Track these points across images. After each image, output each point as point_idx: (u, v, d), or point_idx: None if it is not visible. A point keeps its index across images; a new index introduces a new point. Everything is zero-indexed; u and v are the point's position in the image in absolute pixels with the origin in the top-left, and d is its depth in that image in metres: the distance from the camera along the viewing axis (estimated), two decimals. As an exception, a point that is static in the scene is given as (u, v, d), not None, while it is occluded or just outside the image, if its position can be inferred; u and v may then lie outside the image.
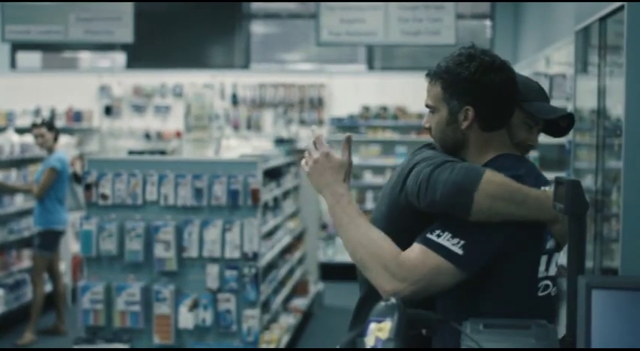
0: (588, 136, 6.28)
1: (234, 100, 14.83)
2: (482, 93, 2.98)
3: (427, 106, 3.11)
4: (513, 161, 3.03)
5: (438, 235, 2.82)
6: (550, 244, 2.95)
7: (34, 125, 9.78)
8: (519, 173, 2.91)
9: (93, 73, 15.39)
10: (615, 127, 5.35)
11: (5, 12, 11.07)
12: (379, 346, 2.14)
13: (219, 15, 15.36)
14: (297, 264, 10.58)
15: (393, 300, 2.25)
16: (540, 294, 2.93)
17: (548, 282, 2.96)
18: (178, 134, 14.07)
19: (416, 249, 2.84)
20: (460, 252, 2.79)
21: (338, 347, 3.46)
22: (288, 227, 9.91)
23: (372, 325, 2.19)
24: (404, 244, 2.91)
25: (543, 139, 3.32)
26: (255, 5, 15.56)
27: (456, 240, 2.80)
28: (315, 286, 11.32)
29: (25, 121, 13.71)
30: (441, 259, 2.79)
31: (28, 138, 10.57)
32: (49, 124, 9.74)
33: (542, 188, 2.96)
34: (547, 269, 2.94)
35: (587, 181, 6.03)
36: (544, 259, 2.93)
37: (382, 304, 2.25)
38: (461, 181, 2.80)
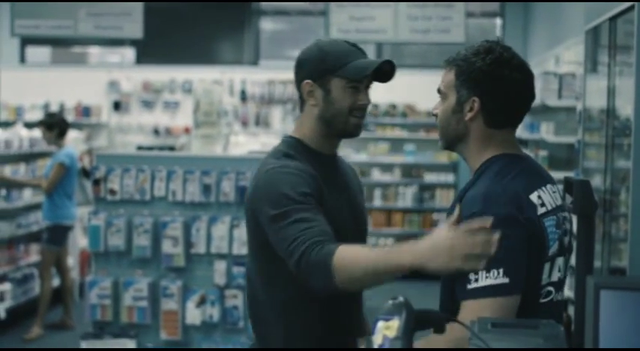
0: (597, 135, 6.27)
1: (243, 97, 14.84)
2: (492, 86, 2.93)
3: (438, 91, 3.07)
4: (504, 164, 2.94)
5: (476, 280, 2.73)
6: (553, 249, 2.87)
7: (39, 122, 9.83)
8: (474, 211, 2.79)
9: (102, 69, 15.41)
10: (625, 126, 5.35)
11: (15, 7, 11.09)
12: (387, 345, 2.13)
13: (229, 11, 15.37)
14: (305, 261, 10.57)
15: (400, 298, 2.25)
16: (542, 300, 2.89)
17: (550, 288, 2.90)
18: (187, 130, 14.08)
19: (467, 308, 2.74)
20: (507, 280, 2.71)
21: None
22: (295, 224, 9.89)
23: (380, 324, 2.19)
24: (261, 257, 3.15)
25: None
26: (264, 2, 15.56)
27: (493, 272, 2.72)
28: (323, 283, 11.31)
29: (34, 116, 13.72)
30: (497, 299, 2.71)
31: (37, 132, 10.59)
32: (48, 124, 9.70)
33: (534, 193, 2.88)
34: (550, 275, 2.89)
35: (596, 181, 6.02)
36: (547, 266, 2.87)
37: (390, 302, 2.25)
38: (315, 285, 2.94)
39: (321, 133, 3.35)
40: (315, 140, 3.36)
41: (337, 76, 3.27)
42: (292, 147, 3.34)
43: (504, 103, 2.95)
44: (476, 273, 2.71)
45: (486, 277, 2.70)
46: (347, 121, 3.30)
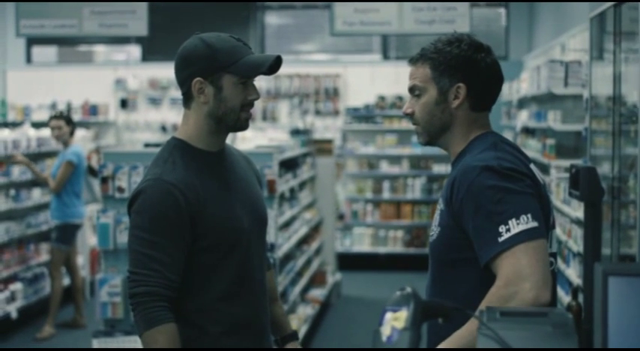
0: (604, 122, 6.26)
1: (250, 92, 14.81)
2: (475, 70, 3.01)
3: (412, 88, 3.10)
4: (497, 140, 3.04)
5: (508, 229, 2.77)
6: (550, 221, 2.97)
7: (54, 116, 9.77)
8: (492, 164, 2.88)
9: (108, 67, 15.43)
10: (631, 113, 5.34)
11: (19, 7, 11.08)
12: (395, 336, 2.13)
13: (234, 6, 15.36)
14: (315, 254, 10.59)
15: (408, 289, 2.24)
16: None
17: (551, 259, 2.95)
18: (194, 126, 14.04)
19: (505, 260, 2.76)
20: (536, 224, 2.77)
21: None
22: (304, 218, 9.91)
23: (388, 315, 2.18)
24: None
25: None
26: (269, -4, 15.56)
27: (523, 218, 2.76)
28: (333, 277, 11.32)
29: (41, 116, 13.74)
30: (533, 243, 2.75)
31: (45, 132, 10.59)
32: (68, 118, 9.74)
33: (531, 165, 3.00)
34: (550, 246, 2.96)
35: (604, 168, 6.01)
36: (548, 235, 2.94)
37: (398, 293, 2.24)
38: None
39: (209, 131, 3.34)
40: (201, 139, 3.34)
41: (229, 72, 3.24)
42: (177, 150, 3.34)
43: (487, 85, 3.06)
44: (505, 224, 2.76)
45: (518, 224, 2.75)
46: (238, 117, 3.31)
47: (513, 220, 2.76)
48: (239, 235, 3.32)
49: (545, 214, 2.90)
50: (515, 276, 2.71)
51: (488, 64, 3.03)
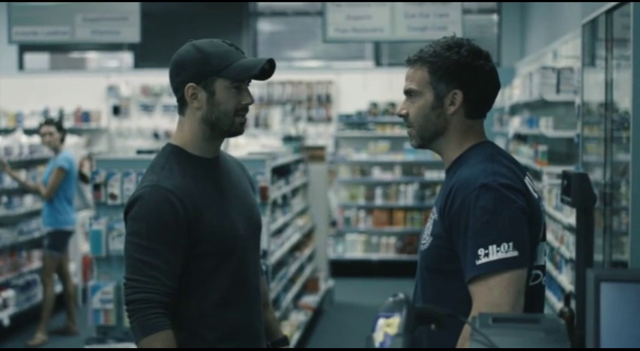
0: (597, 129, 6.27)
1: (242, 98, 14.80)
2: (473, 77, 2.98)
3: (408, 91, 3.08)
4: (493, 151, 3.01)
5: (487, 254, 2.76)
6: (541, 233, 2.96)
7: (45, 122, 9.75)
8: (485, 182, 2.86)
9: (101, 74, 15.42)
10: (623, 119, 5.35)
11: (12, 13, 11.07)
12: (388, 342, 2.13)
13: (226, 13, 15.36)
14: (307, 261, 10.59)
15: (401, 295, 2.24)
16: (531, 283, 2.93)
17: (538, 271, 2.97)
18: (187, 133, 14.03)
19: (481, 286, 2.78)
20: (516, 253, 2.75)
21: None
22: (297, 224, 9.91)
23: (381, 321, 2.18)
24: None
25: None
26: (261, 3, 15.55)
27: (504, 246, 2.75)
28: (326, 283, 11.32)
29: (33, 122, 13.72)
30: (510, 273, 2.75)
31: (37, 139, 10.58)
32: (59, 125, 9.74)
33: (526, 178, 2.99)
34: (537, 258, 2.95)
35: (597, 175, 6.02)
36: (537, 248, 2.93)
37: (390, 299, 2.25)
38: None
39: (204, 136, 3.31)
40: (196, 145, 3.32)
41: (221, 76, 3.22)
42: (173, 156, 3.32)
43: (485, 92, 3.02)
44: (485, 248, 2.75)
45: (497, 251, 2.74)
46: (232, 122, 3.28)
47: (494, 246, 2.75)
48: (235, 241, 3.31)
49: (535, 228, 2.89)
50: (486, 308, 2.72)
51: (487, 72, 3.00)
